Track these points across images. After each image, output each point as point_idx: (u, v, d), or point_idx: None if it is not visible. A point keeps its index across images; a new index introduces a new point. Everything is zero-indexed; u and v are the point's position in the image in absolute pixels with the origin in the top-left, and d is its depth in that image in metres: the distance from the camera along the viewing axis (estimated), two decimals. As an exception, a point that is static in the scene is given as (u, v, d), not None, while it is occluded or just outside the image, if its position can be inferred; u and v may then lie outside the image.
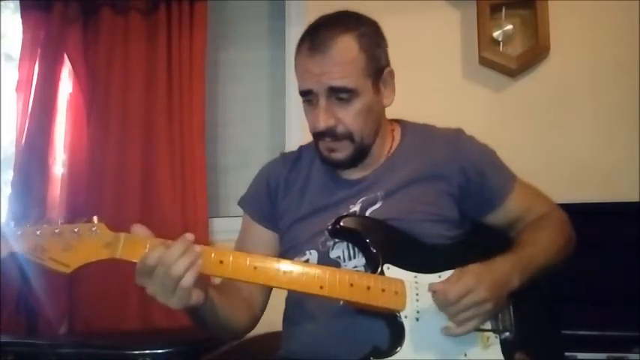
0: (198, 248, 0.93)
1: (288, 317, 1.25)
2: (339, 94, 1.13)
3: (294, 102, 2.44)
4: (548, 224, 1.21)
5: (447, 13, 2.33)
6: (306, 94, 1.16)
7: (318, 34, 1.13)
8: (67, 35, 2.58)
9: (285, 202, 1.27)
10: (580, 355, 1.29)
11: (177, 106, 2.49)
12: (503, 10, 2.23)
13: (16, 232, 0.89)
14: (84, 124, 2.57)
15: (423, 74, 2.26)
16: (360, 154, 1.19)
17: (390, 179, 1.20)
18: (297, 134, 2.40)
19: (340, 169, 1.23)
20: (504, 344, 1.07)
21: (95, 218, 0.94)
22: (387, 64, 1.21)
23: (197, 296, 0.95)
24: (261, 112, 2.66)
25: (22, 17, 2.64)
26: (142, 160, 2.49)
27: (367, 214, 1.17)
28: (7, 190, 2.53)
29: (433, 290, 1.02)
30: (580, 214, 1.28)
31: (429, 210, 1.17)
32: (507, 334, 1.07)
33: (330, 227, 1.11)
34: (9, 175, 2.57)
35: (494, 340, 1.07)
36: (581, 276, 1.28)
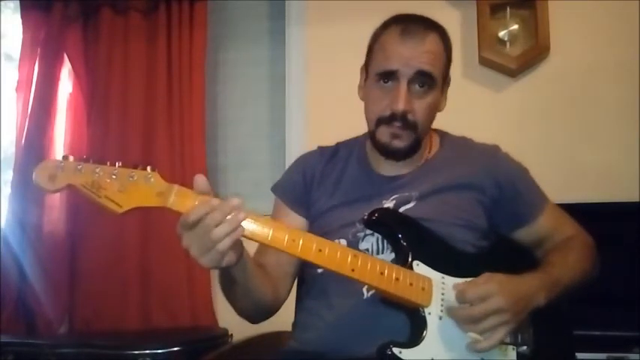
0: (242, 215, 0.94)
1: (305, 307, 1.26)
2: (423, 81, 1.16)
3: (294, 102, 2.44)
4: (576, 247, 1.23)
5: (447, 13, 2.33)
6: (388, 75, 1.17)
7: (410, 24, 1.19)
8: (67, 35, 2.59)
9: (318, 191, 1.29)
10: (580, 355, 1.29)
11: (177, 106, 2.50)
12: (508, 9, 2.24)
13: (76, 165, 0.91)
14: (84, 123, 2.58)
15: (423, 74, 2.26)
16: (415, 147, 1.22)
17: (425, 182, 1.22)
18: (297, 134, 2.40)
19: (395, 158, 1.23)
20: (520, 357, 1.08)
21: (149, 168, 0.98)
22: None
23: (229, 259, 0.96)
24: (261, 112, 2.66)
25: (22, 17, 2.64)
26: (142, 159, 2.49)
27: (400, 211, 1.19)
28: (7, 190, 2.54)
29: (457, 290, 1.03)
30: (580, 214, 1.28)
31: (460, 216, 1.19)
32: (525, 347, 1.09)
33: (365, 217, 1.12)
34: (9, 175, 2.57)
35: (512, 351, 1.08)
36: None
